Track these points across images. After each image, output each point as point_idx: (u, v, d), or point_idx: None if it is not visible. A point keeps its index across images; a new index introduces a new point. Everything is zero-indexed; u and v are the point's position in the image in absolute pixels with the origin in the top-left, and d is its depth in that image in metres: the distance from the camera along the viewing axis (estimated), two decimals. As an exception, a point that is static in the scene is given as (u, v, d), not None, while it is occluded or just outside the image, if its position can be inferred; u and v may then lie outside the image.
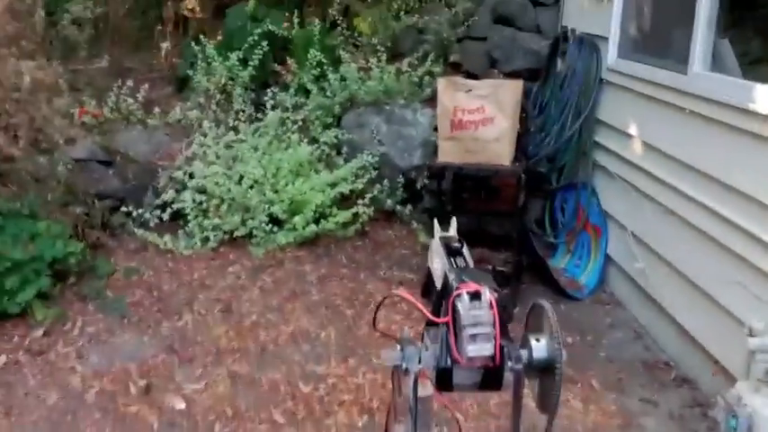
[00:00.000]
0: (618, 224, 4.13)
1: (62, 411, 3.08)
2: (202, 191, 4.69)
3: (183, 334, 3.72)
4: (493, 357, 1.44)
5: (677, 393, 3.28)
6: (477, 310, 1.44)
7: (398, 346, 1.54)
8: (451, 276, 1.56)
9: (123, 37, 5.91)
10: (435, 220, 1.92)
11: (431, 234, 4.91)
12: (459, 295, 1.45)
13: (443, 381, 1.49)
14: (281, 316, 3.89)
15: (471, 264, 1.72)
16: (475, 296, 1.45)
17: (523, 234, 4.20)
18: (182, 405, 3.13)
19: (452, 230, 1.87)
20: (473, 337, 1.43)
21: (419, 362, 1.50)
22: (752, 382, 2.36)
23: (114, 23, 5.78)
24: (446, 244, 1.74)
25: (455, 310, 1.46)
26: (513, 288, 3.97)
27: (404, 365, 1.52)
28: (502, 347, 1.46)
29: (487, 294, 1.45)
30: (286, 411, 3.09)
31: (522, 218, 4.07)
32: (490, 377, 1.48)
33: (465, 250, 1.73)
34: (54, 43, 5.42)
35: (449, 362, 1.47)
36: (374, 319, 2.07)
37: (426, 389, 1.58)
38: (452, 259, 1.68)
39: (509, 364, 1.50)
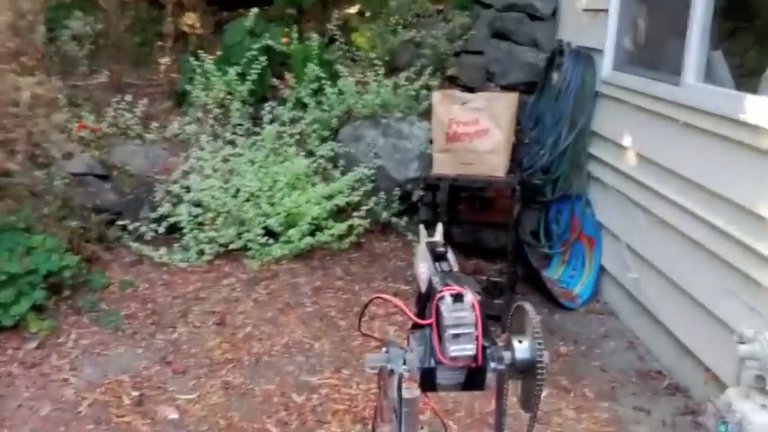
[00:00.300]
0: (612, 235, 4.14)
1: (55, 422, 3.08)
2: (198, 204, 4.71)
3: (177, 346, 3.72)
4: (475, 357, 1.47)
5: (670, 401, 3.27)
6: (460, 311, 1.47)
7: (384, 349, 1.56)
8: (435, 279, 1.58)
9: (122, 52, 5.95)
10: (421, 226, 1.94)
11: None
12: (442, 297, 1.48)
13: (427, 381, 1.51)
14: (275, 327, 3.89)
15: (456, 268, 1.75)
16: (457, 298, 1.48)
17: (518, 245, 4.21)
18: (175, 415, 3.13)
19: (438, 236, 1.89)
20: (456, 337, 1.46)
21: (404, 363, 1.52)
22: (742, 388, 2.36)
23: (114, 39, 5.83)
24: (431, 249, 1.75)
25: (438, 312, 1.48)
26: (507, 298, 3.98)
27: (389, 367, 1.54)
28: (484, 348, 1.48)
29: (470, 296, 1.49)
30: (279, 422, 3.09)
31: (516, 229, 4.08)
32: (473, 377, 1.51)
33: (450, 255, 1.75)
34: (54, 59, 5.46)
35: (432, 362, 1.49)
36: (359, 320, 2.08)
37: (413, 391, 1.59)
38: (437, 264, 1.70)
39: (492, 364, 1.52)
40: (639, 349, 3.76)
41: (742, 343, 2.37)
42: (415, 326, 1.60)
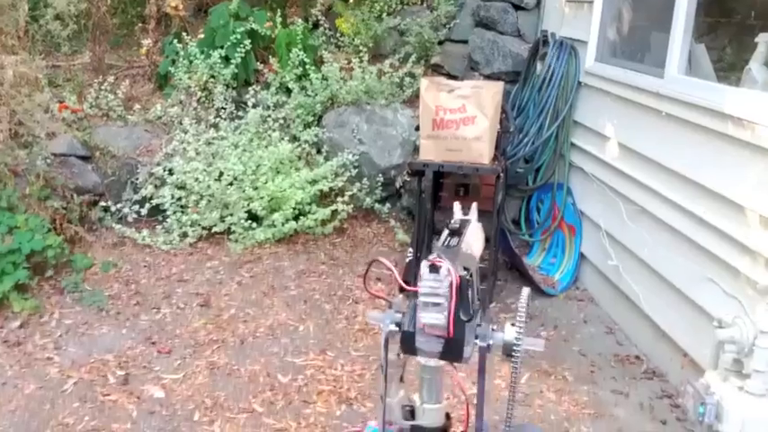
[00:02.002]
0: (592, 223, 4.21)
1: (40, 400, 3.08)
2: (182, 187, 4.71)
3: (162, 327, 3.73)
4: (446, 328, 1.53)
5: (647, 385, 3.35)
6: (433, 281, 1.54)
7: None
8: (433, 252, 1.64)
9: (105, 33, 5.89)
10: (456, 203, 1.97)
11: (408, 232, 4.97)
12: (421, 267, 1.56)
13: (407, 343, 1.60)
14: (259, 310, 3.91)
15: (479, 246, 1.80)
16: (433, 269, 1.53)
17: (500, 232, 4.26)
18: (161, 394, 3.15)
19: (472, 215, 1.92)
20: (426, 306, 1.53)
21: (396, 325, 1.61)
22: (720, 371, 2.43)
23: (96, 20, 5.75)
24: (448, 224, 1.81)
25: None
26: (489, 285, 4.03)
27: (380, 325, 1.63)
28: (460, 321, 1.54)
29: (445, 268, 1.53)
30: (265, 401, 3.12)
31: (499, 216, 4.13)
32: (449, 348, 1.58)
33: (469, 232, 1.78)
34: (36, 38, 5.40)
35: (413, 327, 1.57)
36: (364, 279, 2.16)
37: (437, 360, 1.66)
38: (448, 239, 1.75)
39: (475, 341, 1.59)
40: (618, 334, 3.84)
41: (721, 328, 2.44)
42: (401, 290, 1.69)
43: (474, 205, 1.96)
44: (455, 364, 1.64)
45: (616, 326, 3.91)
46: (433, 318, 1.54)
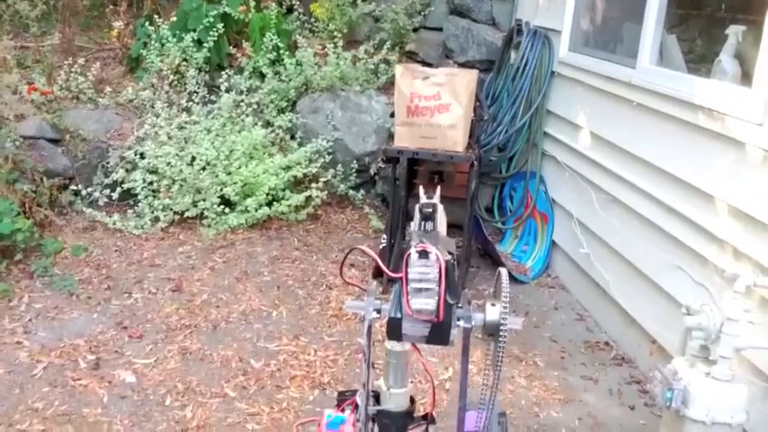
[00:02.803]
0: (564, 211, 4.26)
1: (9, 385, 3.05)
2: (153, 171, 4.67)
3: (133, 311, 3.70)
4: (437, 312, 1.54)
5: (616, 371, 3.41)
6: (424, 267, 1.55)
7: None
8: (414, 237, 1.64)
9: (75, 14, 5.79)
10: (421, 187, 1.98)
11: (382, 219, 4.97)
12: (410, 253, 1.55)
13: (393, 329, 1.60)
14: (232, 295, 3.90)
15: (443, 229, 1.81)
16: (423, 254, 1.54)
17: (474, 219, 4.28)
18: (132, 379, 3.13)
19: (436, 198, 1.93)
20: (418, 291, 1.54)
21: (377, 312, 1.61)
22: (687, 357, 2.48)
23: (66, 0, 5.66)
24: (421, 209, 1.82)
25: (406, 267, 1.55)
26: (462, 271, 4.06)
27: (362, 313, 1.63)
28: (448, 305, 1.56)
29: (435, 253, 1.54)
30: (237, 386, 3.11)
31: (472, 204, 4.15)
32: (436, 331, 1.59)
33: (438, 216, 1.80)
34: (4, 18, 5.30)
35: (399, 313, 1.57)
36: (341, 267, 2.15)
37: (404, 345, 1.67)
38: (423, 223, 1.76)
39: (460, 323, 1.60)
40: (588, 321, 3.89)
41: (689, 315, 2.48)
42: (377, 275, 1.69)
43: (437, 189, 1.98)
44: (419, 347, 1.65)
45: (586, 313, 3.97)
46: (423, 303, 1.55)
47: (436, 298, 1.55)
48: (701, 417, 2.31)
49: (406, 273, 1.55)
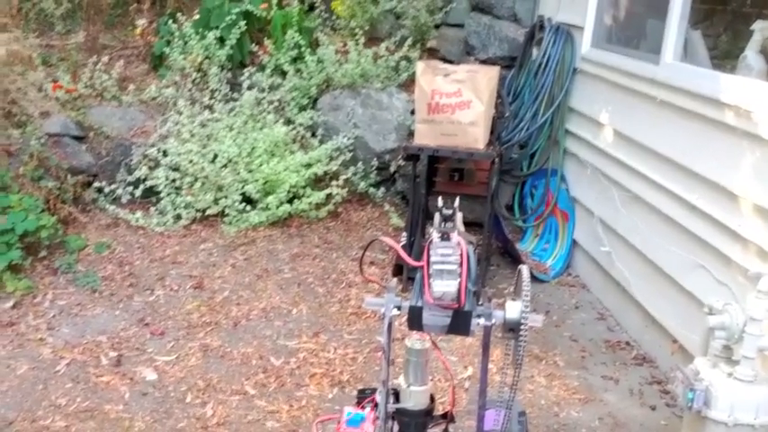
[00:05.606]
0: (585, 209, 4.22)
1: (33, 381, 3.09)
2: (176, 168, 4.70)
3: (155, 308, 3.74)
4: (458, 296, 1.53)
5: (637, 371, 3.38)
6: (445, 248, 1.55)
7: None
8: (435, 231, 1.64)
9: (99, 13, 5.85)
10: (439, 198, 1.98)
11: (402, 217, 4.97)
12: (431, 239, 1.57)
13: (414, 319, 1.60)
14: (252, 293, 3.92)
15: (461, 230, 1.81)
16: (444, 237, 1.54)
17: (494, 218, 4.27)
18: (153, 376, 3.16)
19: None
20: (440, 273, 1.53)
21: (398, 309, 1.62)
22: (710, 357, 2.45)
23: (90, -1, 5.73)
24: (440, 212, 1.81)
25: (428, 254, 1.56)
26: (482, 269, 4.04)
27: (382, 310, 1.63)
28: (468, 292, 1.55)
29: (456, 236, 1.54)
30: (257, 383, 3.13)
31: (493, 202, 4.14)
32: (458, 320, 1.59)
33: (457, 219, 1.79)
34: (29, 16, 5.36)
35: (420, 302, 1.58)
36: (360, 262, 2.15)
37: (424, 343, 1.67)
38: (442, 224, 1.76)
39: (480, 320, 1.59)
40: (609, 321, 3.86)
41: (711, 314, 2.45)
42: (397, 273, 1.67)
43: (457, 199, 1.98)
44: (439, 346, 1.64)
45: (607, 312, 3.94)
46: (446, 285, 1.53)
47: (458, 280, 1.54)
48: (724, 418, 2.28)
49: (428, 257, 1.54)
